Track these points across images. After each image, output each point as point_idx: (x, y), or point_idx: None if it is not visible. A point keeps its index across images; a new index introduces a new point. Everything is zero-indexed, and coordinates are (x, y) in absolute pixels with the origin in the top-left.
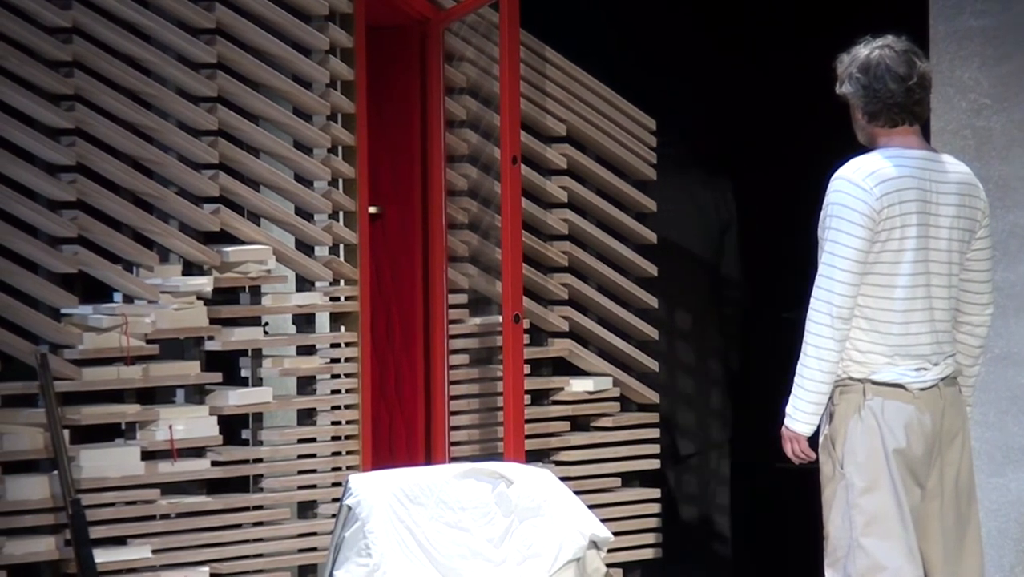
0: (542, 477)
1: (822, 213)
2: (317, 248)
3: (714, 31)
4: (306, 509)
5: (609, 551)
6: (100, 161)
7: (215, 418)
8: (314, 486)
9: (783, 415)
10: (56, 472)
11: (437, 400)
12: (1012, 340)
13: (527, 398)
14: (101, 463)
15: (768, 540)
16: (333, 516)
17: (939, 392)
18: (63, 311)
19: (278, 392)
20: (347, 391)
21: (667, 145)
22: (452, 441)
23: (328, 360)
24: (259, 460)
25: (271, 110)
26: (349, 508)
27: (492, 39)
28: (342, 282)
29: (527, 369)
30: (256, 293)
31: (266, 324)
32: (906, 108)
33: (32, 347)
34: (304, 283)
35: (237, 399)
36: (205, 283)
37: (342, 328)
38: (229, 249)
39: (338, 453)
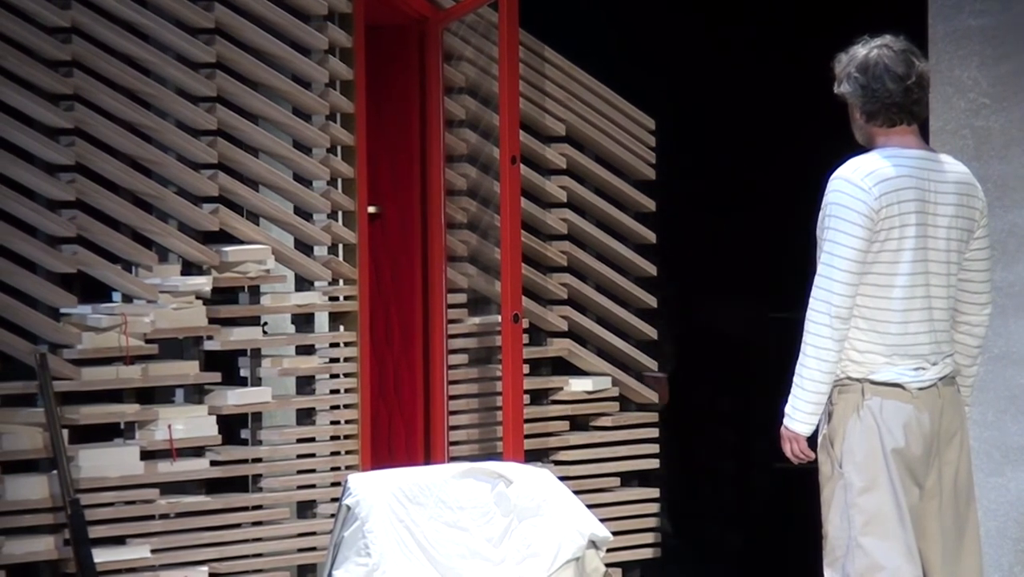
0: (541, 477)
1: (820, 213)
2: (316, 248)
3: (714, 31)
4: (305, 509)
5: (608, 551)
6: (99, 161)
7: (214, 418)
8: (313, 486)
9: (782, 415)
10: (55, 472)
11: (436, 400)
12: (1011, 340)
13: (526, 398)
14: (100, 463)
15: (768, 540)
16: (332, 516)
17: (937, 392)
18: (62, 311)
19: (277, 392)
20: (346, 391)
21: (667, 145)
22: (451, 441)
23: (327, 360)
24: (258, 460)
25: (270, 110)
26: (348, 508)
27: (491, 39)
28: (341, 282)
29: (526, 369)
30: (255, 293)
31: (265, 324)
32: (904, 108)
33: (31, 347)
34: (303, 283)
35: (236, 399)
36: (204, 283)
37: (341, 328)
38: (228, 249)
39: (337, 453)
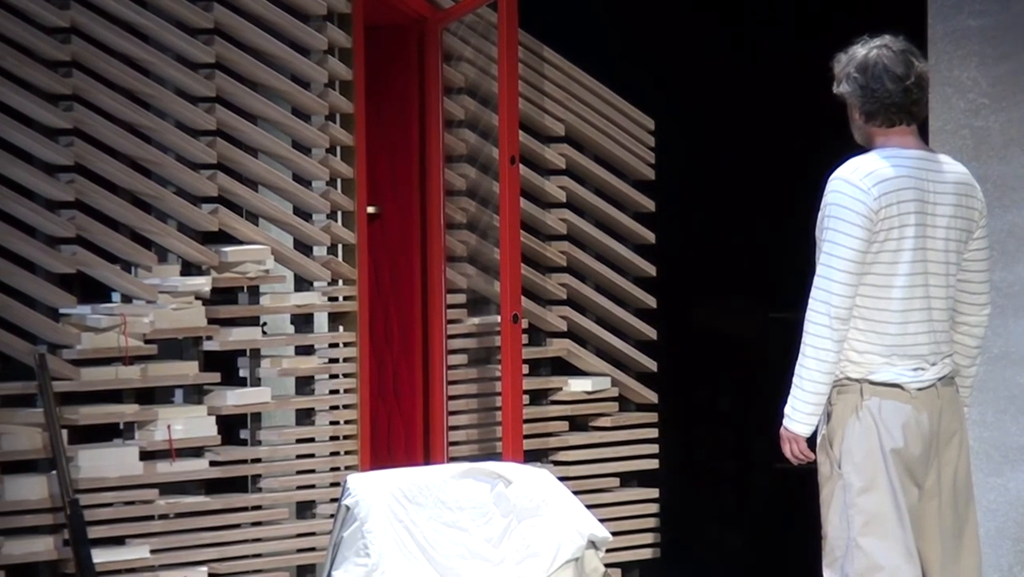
0: (540, 477)
1: (820, 213)
2: (315, 248)
3: (714, 31)
4: (305, 509)
5: (607, 551)
6: (98, 161)
7: (213, 418)
8: (313, 486)
9: (782, 416)
10: (55, 472)
11: (435, 400)
12: (1010, 339)
13: (526, 398)
14: (99, 463)
15: (768, 540)
16: (332, 516)
17: (936, 392)
18: (61, 311)
19: (276, 392)
20: (346, 391)
21: (666, 145)
22: (450, 441)
23: (327, 360)
24: (257, 460)
25: (269, 110)
26: (348, 508)
27: (490, 39)
28: (340, 282)
29: (526, 369)
30: (254, 293)
31: (264, 324)
32: (904, 108)
33: (30, 347)
34: (302, 283)
35: (235, 399)
36: (203, 283)
37: (341, 328)
38: (227, 249)
39: (336, 453)
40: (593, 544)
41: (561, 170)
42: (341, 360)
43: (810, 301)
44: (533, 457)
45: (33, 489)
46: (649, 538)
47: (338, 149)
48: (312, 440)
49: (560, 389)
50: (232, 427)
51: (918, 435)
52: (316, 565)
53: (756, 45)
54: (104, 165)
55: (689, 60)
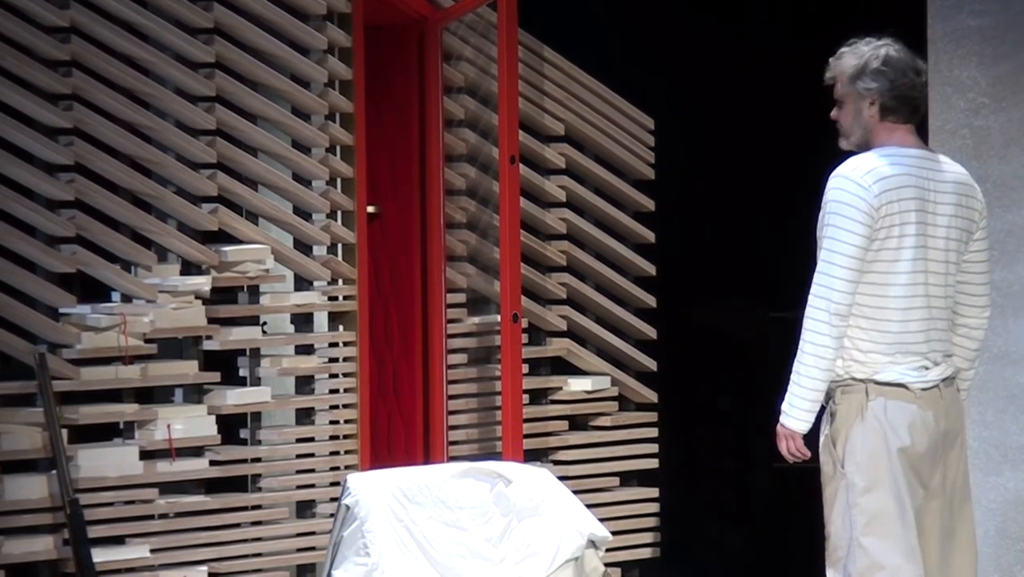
0: (540, 476)
1: (820, 212)
2: (315, 247)
3: (714, 31)
4: (304, 508)
5: (607, 550)
6: (98, 161)
7: (213, 417)
8: (312, 485)
9: (779, 413)
10: (54, 471)
11: (435, 399)
12: (1010, 339)
13: (525, 397)
14: (99, 463)
15: (768, 540)
16: (331, 515)
17: (940, 392)
18: (61, 311)
19: (276, 392)
20: (345, 390)
21: (666, 145)
22: (450, 440)
23: (326, 359)
24: (257, 460)
25: (269, 110)
26: (347, 507)
27: (490, 38)
28: (340, 281)
29: (525, 368)
30: (254, 292)
31: (264, 324)
32: (918, 104)
33: (30, 347)
34: (302, 282)
35: (235, 398)
36: (203, 282)
37: (340, 328)
38: (227, 248)
39: (336, 452)
40: (593, 543)
41: (561, 170)
42: (341, 360)
43: (810, 297)
44: (533, 457)
45: (33, 488)
46: (649, 538)
47: (338, 149)
48: (312, 440)
49: (560, 389)
50: (232, 427)
51: (924, 434)
52: (316, 564)
53: (756, 45)
54: (104, 165)
55: (689, 60)
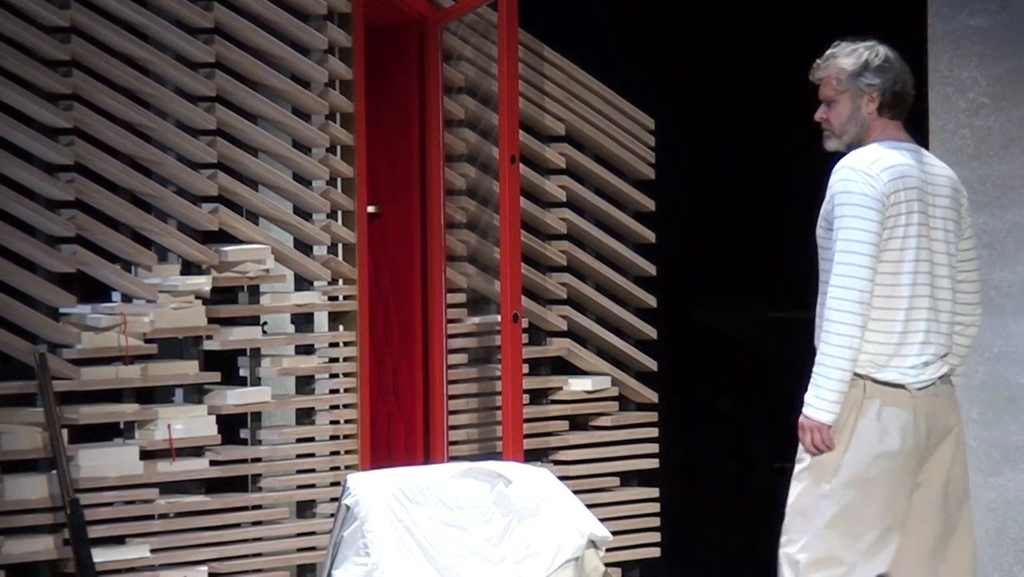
0: (541, 476)
1: (826, 205)
2: (316, 247)
3: (714, 31)
4: (305, 508)
5: (607, 550)
6: (98, 160)
7: (214, 417)
8: (313, 485)
9: (801, 404)
10: (55, 471)
11: (436, 399)
12: (1010, 339)
13: (526, 397)
14: (100, 462)
15: (768, 540)
16: (332, 515)
17: (936, 389)
18: (61, 310)
19: (277, 392)
20: (346, 390)
21: (666, 145)
22: (451, 440)
23: (327, 359)
24: (258, 460)
25: (269, 109)
26: (348, 507)
27: (490, 38)
28: (341, 281)
29: (526, 368)
30: (255, 292)
31: (265, 323)
32: (910, 101)
33: (31, 347)
34: (303, 282)
35: (236, 398)
36: (204, 282)
37: (341, 327)
38: (228, 248)
39: (337, 452)
40: (593, 543)
41: (561, 169)
42: (341, 359)
43: (832, 289)
44: (533, 457)
45: (33, 488)
46: (649, 538)
47: (338, 148)
48: (312, 440)
49: (560, 389)
50: (232, 426)
51: (915, 436)
52: (316, 564)
53: (756, 45)
54: (104, 164)
55: (689, 60)
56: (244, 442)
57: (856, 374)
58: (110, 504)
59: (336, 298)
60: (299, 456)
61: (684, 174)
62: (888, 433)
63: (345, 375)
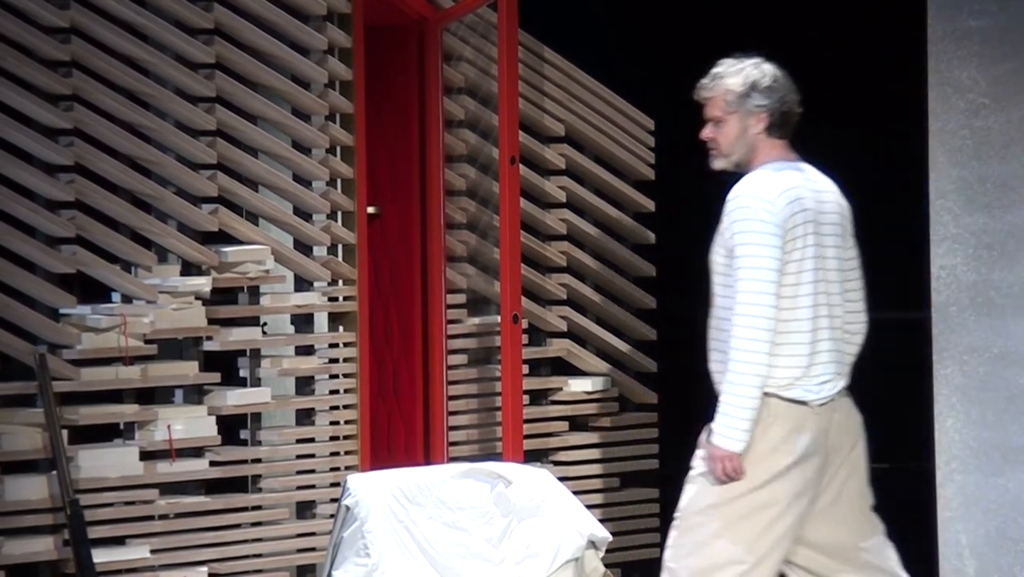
0: (541, 477)
1: (723, 232)
2: (315, 248)
3: (714, 31)
4: (305, 509)
5: (607, 551)
6: (98, 161)
7: (214, 418)
8: (313, 486)
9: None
10: (55, 472)
11: (436, 400)
12: (1010, 340)
13: (526, 398)
14: (100, 463)
15: None
16: (332, 516)
17: (834, 405)
18: (61, 311)
19: (277, 392)
20: (346, 391)
21: (666, 145)
22: (451, 441)
23: (327, 360)
24: (258, 460)
25: (269, 110)
26: (348, 508)
27: (490, 39)
28: (340, 282)
29: (526, 369)
30: (255, 293)
31: (264, 324)
32: (797, 120)
33: (30, 347)
34: (302, 283)
35: (236, 399)
36: (204, 283)
37: (341, 328)
38: (227, 249)
39: (337, 453)
40: (593, 544)
41: (561, 170)
42: (341, 360)
43: (738, 317)
44: (533, 457)
45: (33, 489)
46: (649, 538)
47: (338, 149)
48: (312, 440)
49: (560, 389)
50: (232, 427)
51: (815, 451)
52: (316, 565)
53: (756, 45)
54: (104, 165)
55: (689, 60)
56: (244, 443)
57: (764, 393)
58: (110, 505)
59: (336, 299)
60: (299, 457)
61: (684, 174)
62: (793, 450)
63: (345, 376)
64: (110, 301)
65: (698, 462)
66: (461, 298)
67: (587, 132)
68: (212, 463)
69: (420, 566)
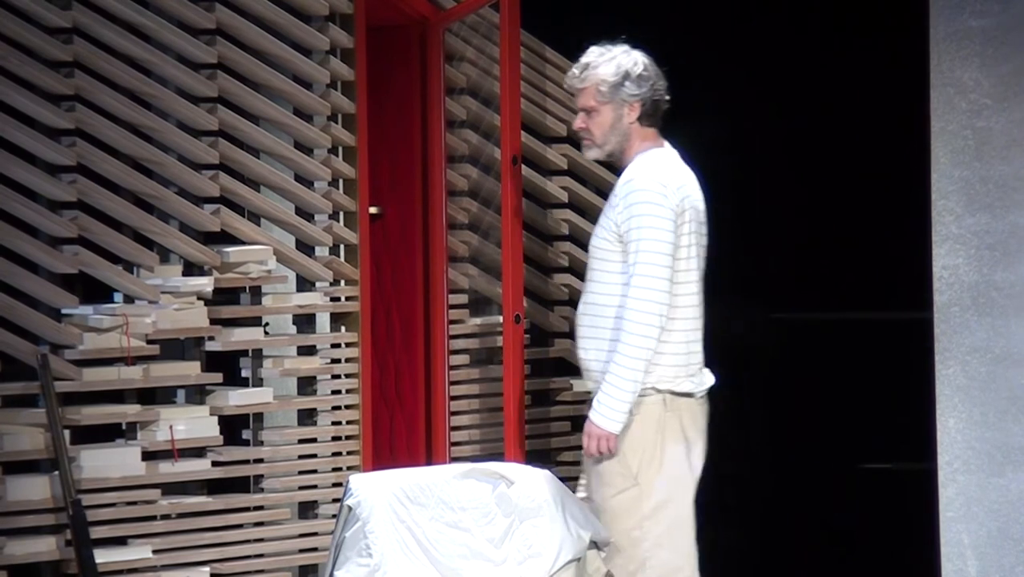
0: (543, 477)
1: (614, 216)
2: (317, 248)
3: (714, 31)
4: (307, 509)
5: None
6: (100, 161)
7: (216, 418)
8: (315, 486)
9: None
10: (57, 472)
11: (437, 400)
12: (1012, 340)
13: (528, 399)
14: (102, 463)
15: (768, 540)
16: (334, 516)
17: (706, 398)
18: (63, 311)
19: (278, 392)
20: (347, 391)
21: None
22: (453, 441)
23: (328, 360)
24: (260, 460)
25: (271, 110)
26: (350, 508)
27: (492, 39)
28: (342, 282)
29: (528, 370)
30: (256, 293)
31: (266, 324)
32: (665, 107)
33: (33, 347)
34: (304, 283)
35: (238, 399)
36: (206, 283)
37: (342, 328)
38: (229, 249)
39: (339, 453)
40: (595, 545)
41: (563, 170)
42: (343, 360)
43: (634, 301)
44: (536, 458)
45: (35, 489)
46: None
47: (340, 149)
48: (314, 440)
49: (563, 390)
50: (234, 427)
51: (701, 441)
52: (318, 565)
53: (756, 45)
54: (106, 165)
55: (689, 60)
56: (246, 443)
57: (657, 389)
58: (112, 505)
59: (338, 299)
60: (301, 457)
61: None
62: (694, 443)
63: (347, 376)
64: (112, 301)
65: (610, 479)
66: (463, 298)
67: None
68: (214, 463)
69: (422, 566)
